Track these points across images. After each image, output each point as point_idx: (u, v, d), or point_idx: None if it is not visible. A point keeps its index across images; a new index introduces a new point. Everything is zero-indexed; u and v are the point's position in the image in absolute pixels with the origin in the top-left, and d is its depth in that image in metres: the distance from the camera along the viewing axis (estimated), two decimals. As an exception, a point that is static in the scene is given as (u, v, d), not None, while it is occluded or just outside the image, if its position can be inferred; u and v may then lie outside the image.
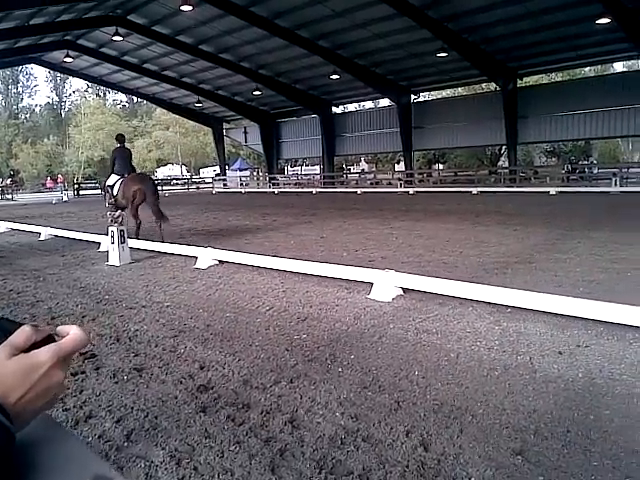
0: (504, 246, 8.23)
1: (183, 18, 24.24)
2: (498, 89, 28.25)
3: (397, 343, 4.00)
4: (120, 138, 11.22)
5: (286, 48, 26.25)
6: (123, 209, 9.86)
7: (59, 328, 0.65)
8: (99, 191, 37.15)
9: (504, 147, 34.21)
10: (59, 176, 54.05)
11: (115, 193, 10.38)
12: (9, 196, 36.01)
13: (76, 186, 40.44)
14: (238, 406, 3.04)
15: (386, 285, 5.33)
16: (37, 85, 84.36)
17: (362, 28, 23.25)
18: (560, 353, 3.68)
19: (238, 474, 2.37)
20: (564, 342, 3.89)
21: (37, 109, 77.79)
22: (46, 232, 11.90)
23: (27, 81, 73.87)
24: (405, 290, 5.40)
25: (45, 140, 63.86)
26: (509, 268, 6.54)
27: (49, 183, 53.44)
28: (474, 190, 23.56)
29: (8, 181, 40.67)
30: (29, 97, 76.81)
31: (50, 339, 0.62)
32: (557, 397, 3.01)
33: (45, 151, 61.86)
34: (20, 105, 74.45)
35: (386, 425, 2.76)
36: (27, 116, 75.60)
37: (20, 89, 74.00)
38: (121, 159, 10.67)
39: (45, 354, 0.59)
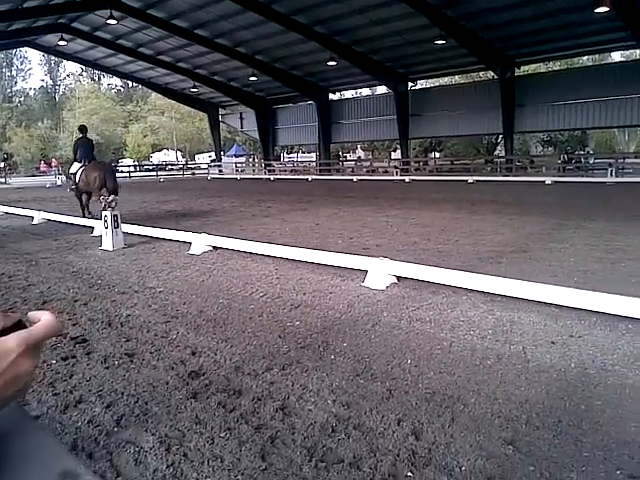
0: (499, 235, 8.22)
1: (178, 2, 24.00)
2: (496, 77, 28.14)
3: (390, 331, 3.99)
4: (82, 129, 12.25)
5: (283, 34, 25.99)
6: (86, 193, 11.38)
7: (30, 314, 0.61)
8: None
9: (501, 136, 34.13)
10: (53, 160, 53.65)
11: (77, 179, 11.34)
12: (2, 180, 35.71)
13: (70, 171, 40.06)
14: (229, 392, 3.02)
15: (380, 273, 5.31)
16: (31, 68, 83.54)
17: (360, 14, 23.03)
18: (553, 343, 3.67)
19: (228, 460, 2.36)
20: (557, 332, 3.88)
21: (31, 92, 77.04)
22: (39, 216, 11.81)
23: (21, 64, 73.05)
24: (399, 278, 5.39)
25: (39, 124, 63.31)
26: (504, 257, 6.52)
27: (43, 167, 53.05)
28: (470, 179, 23.52)
29: (1, 164, 40.33)
30: (23, 80, 76.16)
31: (20, 325, 0.58)
32: (549, 387, 3.00)
33: (39, 135, 61.31)
34: (14, 89, 73.66)
35: (378, 413, 2.75)
36: (21, 100, 74.81)
37: (14, 72, 73.13)
38: (83, 149, 11.72)
39: (13, 341, 0.56)
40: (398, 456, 2.37)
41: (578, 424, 2.60)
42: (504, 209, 11.72)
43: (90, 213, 11.53)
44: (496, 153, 41.29)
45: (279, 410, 2.80)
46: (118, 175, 38.95)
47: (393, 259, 5.54)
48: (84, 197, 11.65)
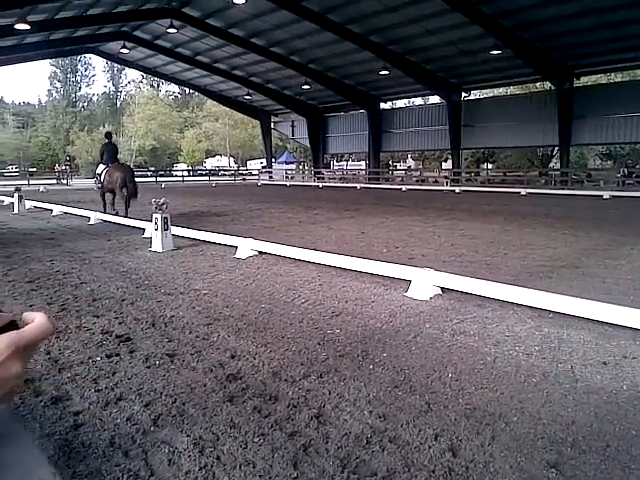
0: (551, 249, 7.94)
1: (236, 11, 24.50)
2: (553, 88, 27.34)
3: (432, 343, 3.90)
4: (108, 135, 13.87)
5: (337, 43, 26.16)
6: (110, 191, 12.77)
7: (25, 315, 0.60)
8: (149, 179, 38.15)
9: (556, 148, 33.13)
10: (112, 163, 55.57)
11: (102, 179, 12.78)
12: (64, 181, 37.32)
13: (127, 174, 41.44)
14: (265, 398, 3.01)
15: (424, 283, 5.22)
16: (95, 75, 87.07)
17: (414, 24, 22.91)
18: (605, 363, 3.49)
19: (260, 466, 2.34)
20: (609, 352, 3.69)
21: (94, 98, 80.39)
22: (95, 217, 12.26)
23: (85, 70, 76.26)
24: (444, 290, 5.27)
25: (101, 128, 65.78)
26: (555, 272, 6.29)
27: (102, 170, 55.01)
28: (523, 191, 22.92)
29: (63, 167, 42.13)
30: (87, 86, 79.72)
31: (12, 326, 0.57)
32: (598, 409, 2.85)
33: (100, 139, 63.62)
34: (78, 94, 76.96)
35: (414, 427, 2.68)
36: (84, 105, 78.18)
37: (79, 78, 76.43)
38: (108, 152, 13.14)
39: (2, 342, 0.54)
40: (433, 472, 2.29)
41: (627, 449, 2.45)
42: (557, 223, 11.34)
43: (114, 210, 12.89)
44: (551, 165, 40.14)
45: (314, 418, 2.77)
46: (172, 179, 40.03)
47: (438, 270, 5.43)
48: (108, 195, 13.09)
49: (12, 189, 16.17)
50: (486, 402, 2.94)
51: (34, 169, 53.61)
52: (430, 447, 2.50)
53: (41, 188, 27.01)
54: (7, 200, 18.01)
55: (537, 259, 7.17)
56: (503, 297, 4.71)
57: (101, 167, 13.10)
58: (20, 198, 15.28)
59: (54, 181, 37.42)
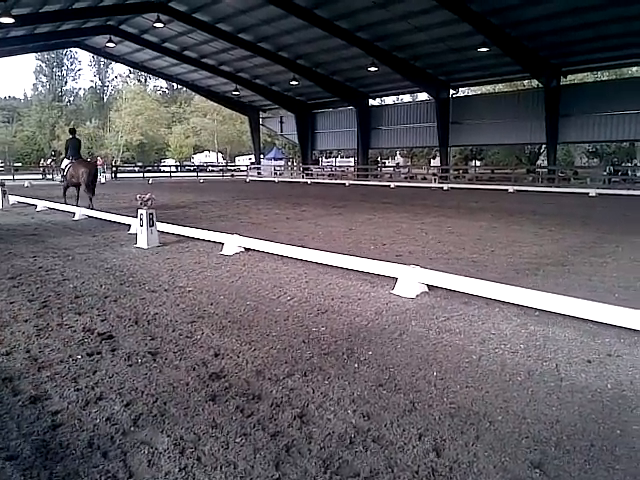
0: (537, 247, 7.97)
1: (223, 6, 24.38)
2: (540, 86, 27.51)
3: (417, 341, 3.88)
4: (72, 131, 14.59)
5: (325, 39, 26.12)
6: (74, 185, 13.53)
7: None
8: (137, 174, 37.92)
9: (544, 146, 33.33)
10: (98, 158, 55.12)
11: (65, 173, 13.58)
12: (50, 176, 36.91)
13: (114, 169, 41.14)
14: (248, 397, 2.97)
15: (410, 281, 5.20)
16: (81, 69, 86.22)
17: (402, 20, 22.93)
18: (589, 361, 3.49)
19: (241, 467, 2.30)
20: (594, 350, 3.70)
21: (81, 92, 79.53)
22: (80, 212, 12.11)
23: (71, 65, 75.44)
24: (430, 287, 5.26)
25: (87, 123, 65.28)
26: (541, 269, 6.31)
27: (88, 165, 54.52)
28: (510, 188, 23.07)
29: (49, 162, 41.68)
30: (73, 80, 78.40)
31: None
32: (583, 408, 2.85)
33: (87, 134, 63.11)
34: (64, 88, 76.10)
35: (398, 426, 2.65)
36: (71, 99, 77.30)
37: (64, 72, 75.55)
38: (72, 147, 13.70)
39: None
40: (417, 473, 2.27)
41: (612, 449, 2.45)
42: (544, 220, 11.40)
43: (71, 202, 13.56)
44: (538, 163, 40.39)
45: (297, 418, 2.73)
46: (159, 175, 39.77)
47: (425, 267, 5.41)
48: (71, 189, 13.81)
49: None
50: (471, 401, 2.93)
51: (19, 164, 52.97)
52: (414, 447, 2.47)
53: (26, 183, 26.64)
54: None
55: (524, 256, 7.19)
56: (489, 295, 4.71)
57: (65, 162, 13.82)
58: (4, 193, 15.07)
59: (39, 176, 37.03)
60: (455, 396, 2.99)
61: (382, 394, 3.01)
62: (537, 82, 28.19)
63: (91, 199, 13.01)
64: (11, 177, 33.46)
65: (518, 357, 3.57)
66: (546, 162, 30.95)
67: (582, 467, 2.31)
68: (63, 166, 13.86)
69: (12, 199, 15.61)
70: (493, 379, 3.21)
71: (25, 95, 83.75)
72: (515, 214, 12.84)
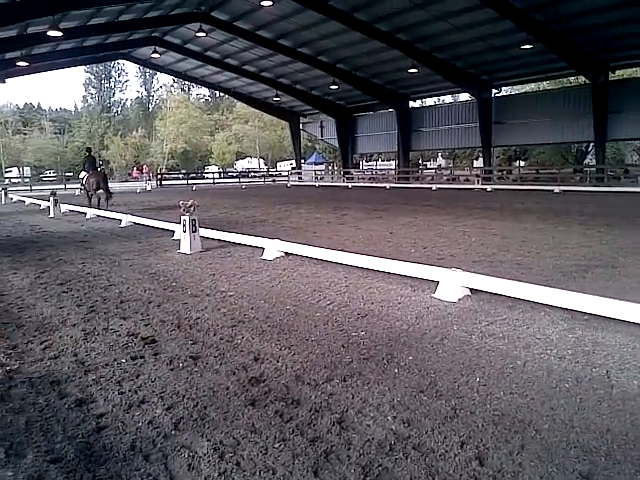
0: (585, 248, 7.70)
1: (263, 13, 24.62)
2: (587, 82, 26.63)
3: (459, 346, 3.79)
4: (88, 150, 18.57)
5: (364, 42, 26.05)
6: (90, 192, 16.62)
7: None
8: (181, 182, 38.79)
9: (591, 144, 32.26)
10: (144, 166, 56.71)
11: (84, 183, 17.00)
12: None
13: (159, 177, 42.18)
14: (287, 402, 2.97)
15: (452, 284, 5.10)
16: (128, 80, 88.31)
17: (442, 20, 22.63)
18: (642, 368, 3.34)
19: (280, 473, 2.30)
20: (647, 356, 3.53)
21: (128, 103, 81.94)
22: (126, 219, 12.46)
23: (119, 76, 77.75)
24: (473, 291, 5.15)
25: (134, 132, 67.09)
26: (589, 272, 6.09)
27: (135, 173, 56.24)
28: (556, 189, 22.38)
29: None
30: (120, 92, 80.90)
31: None
32: (635, 417, 2.72)
33: (133, 143, 64.99)
34: (112, 99, 78.55)
35: (440, 434, 2.60)
36: (118, 110, 79.68)
37: (112, 84, 78.00)
38: (89, 163, 17.32)
39: None
40: (459, 482, 2.21)
41: (667, 462, 2.32)
42: (592, 221, 11.02)
43: (94, 206, 16.18)
44: (586, 162, 39.11)
45: (336, 423, 2.71)
46: (203, 182, 40.57)
47: (467, 270, 5.30)
48: (91, 195, 16.80)
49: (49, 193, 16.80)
50: (515, 408, 2.84)
51: (70, 174, 54.93)
52: (456, 455, 2.41)
53: (76, 192, 27.62)
54: (44, 204, 18.48)
55: (571, 258, 6.96)
56: (534, 298, 4.56)
57: (83, 174, 17.41)
58: (56, 202, 15.65)
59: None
60: (499, 403, 2.90)
61: (423, 400, 2.96)
62: (584, 78, 27.31)
63: (107, 199, 16.24)
64: (63, 186, 34.77)
65: (565, 363, 3.45)
66: (594, 161, 29.94)
67: (633, 478, 2.20)
68: (81, 177, 17.57)
69: (63, 207, 16.20)
70: (539, 386, 3.11)
71: (75, 107, 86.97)
72: (561, 215, 12.46)
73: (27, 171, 61.50)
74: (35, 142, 64.25)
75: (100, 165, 44.62)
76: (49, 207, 15.92)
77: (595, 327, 4.10)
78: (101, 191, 16.27)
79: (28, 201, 21.95)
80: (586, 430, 2.60)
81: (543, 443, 2.49)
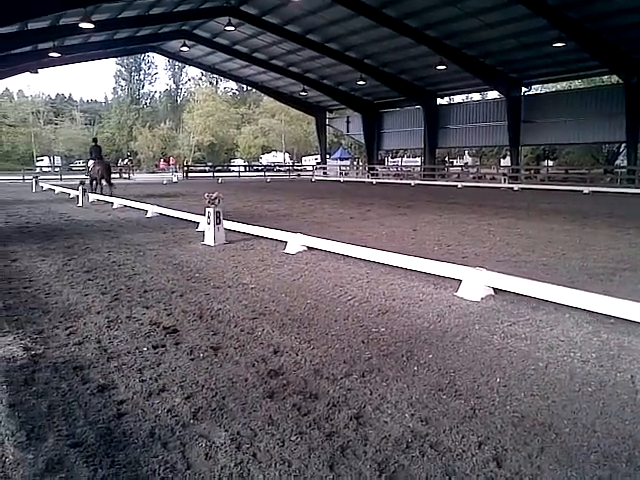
0: (613, 250, 7.54)
1: (292, 8, 24.64)
2: (620, 82, 26.01)
3: (481, 346, 3.75)
4: (95, 140, 20.90)
5: (393, 38, 25.91)
6: (95, 179, 18.62)
7: None
8: (207, 174, 39.16)
9: (623, 145, 31.52)
10: (171, 158, 57.37)
11: (90, 170, 19.03)
12: (126, 175, 38.76)
13: (185, 168, 42.60)
14: (305, 395, 2.98)
15: (476, 283, 5.04)
16: (157, 73, 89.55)
17: (472, 17, 22.36)
18: (669, 374, 3.26)
19: (295, 466, 2.30)
20: (675, 362, 3.44)
21: (156, 95, 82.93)
22: (152, 210, 12.61)
23: (148, 69, 78.77)
24: (496, 290, 5.08)
25: (162, 124, 67.82)
26: (617, 275, 5.96)
27: (162, 164, 56.96)
28: (586, 189, 21.96)
29: (125, 162, 43.72)
30: (149, 84, 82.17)
31: None
32: (660, 424, 2.66)
33: (161, 135, 65.67)
34: (141, 91, 79.58)
35: (458, 433, 2.57)
36: (147, 102, 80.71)
37: (142, 76, 79.00)
38: (95, 152, 19.21)
39: None
40: (475, 482, 2.19)
41: (692, 471, 2.26)
42: (622, 223, 10.78)
43: (95, 191, 18.11)
44: (617, 163, 38.26)
45: (353, 419, 2.71)
46: (229, 174, 40.89)
47: (491, 269, 5.24)
48: (95, 182, 18.72)
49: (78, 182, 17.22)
50: (536, 410, 2.80)
51: (99, 164, 55.77)
52: (473, 455, 2.39)
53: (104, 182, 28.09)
54: (73, 193, 18.83)
55: (598, 260, 6.82)
56: (559, 300, 4.48)
57: (90, 162, 19.32)
58: (84, 192, 15.92)
59: (117, 175, 38.94)
60: (519, 404, 2.86)
61: (442, 399, 2.94)
62: (617, 78, 26.68)
63: (109, 187, 18.16)
64: (91, 176, 35.31)
65: (589, 366, 3.38)
66: (625, 162, 29.25)
67: (657, 487, 2.15)
68: (89, 165, 19.46)
69: (92, 197, 16.48)
70: (561, 388, 3.06)
71: (106, 98, 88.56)
72: (590, 216, 12.22)
73: (58, 160, 62.60)
74: (66, 132, 65.37)
75: (128, 156, 45.33)
76: (78, 196, 16.20)
77: (621, 331, 4.01)
78: (104, 181, 18.38)
79: (58, 190, 22.39)
80: (608, 435, 2.55)
81: (563, 447, 2.45)
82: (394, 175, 39.92)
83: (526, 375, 3.25)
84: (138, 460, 2.34)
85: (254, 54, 34.42)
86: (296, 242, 7.67)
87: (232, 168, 52.67)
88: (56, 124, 67.78)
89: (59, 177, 35.74)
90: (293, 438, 2.53)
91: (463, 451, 2.42)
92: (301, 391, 3.03)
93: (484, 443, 2.48)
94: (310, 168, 47.34)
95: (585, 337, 3.91)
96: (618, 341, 3.83)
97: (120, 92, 78.11)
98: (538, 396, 2.96)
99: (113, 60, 71.16)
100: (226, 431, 2.59)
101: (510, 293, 4.96)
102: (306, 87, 38.02)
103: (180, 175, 39.06)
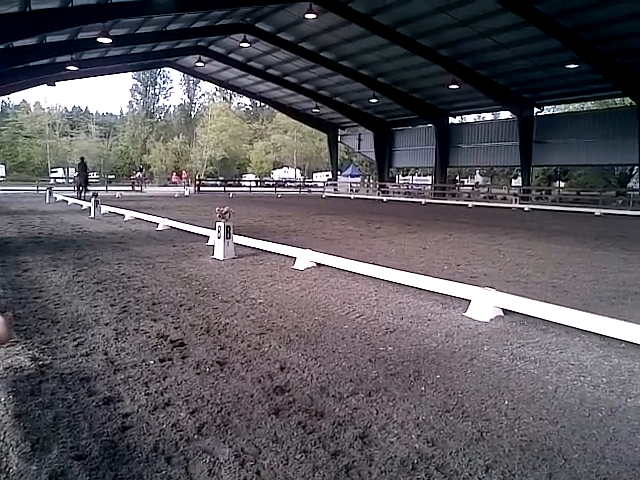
0: (626, 274, 7.46)
1: (306, 26, 24.91)
2: (633, 104, 25.95)
3: (489, 367, 3.71)
4: (82, 158, 27.39)
5: (406, 57, 26.08)
6: (80, 186, 25.61)
7: None
8: (219, 188, 39.47)
9: (636, 167, 31.37)
10: (183, 172, 57.84)
11: (75, 180, 27.52)
12: (138, 188, 39.06)
13: (197, 182, 42.87)
14: (311, 413, 2.95)
15: (485, 304, 5.01)
16: (172, 87, 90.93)
17: (486, 37, 22.47)
18: (681, 401, 3.20)
19: (299, 485, 2.28)
20: (687, 389, 3.39)
21: (171, 109, 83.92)
22: (163, 223, 12.70)
23: (163, 83, 79.89)
24: (505, 311, 5.04)
25: (175, 138, 68.49)
26: (629, 298, 5.89)
27: (174, 178, 57.36)
28: (597, 211, 21.82)
29: (138, 174, 44.11)
30: (164, 98, 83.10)
31: None
32: (671, 452, 2.60)
33: (174, 148, 66.32)
34: (156, 105, 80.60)
35: (464, 456, 2.54)
36: (161, 115, 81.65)
37: (157, 90, 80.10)
38: (80, 167, 26.44)
39: None
40: (482, 507, 2.15)
41: None
42: (634, 246, 10.68)
43: (82, 198, 23.53)
44: (630, 185, 38.06)
45: (359, 438, 2.68)
46: (240, 189, 41.17)
47: (500, 290, 5.20)
48: (80, 188, 25.63)
49: (90, 194, 17.39)
50: (544, 435, 2.75)
51: (112, 176, 56.41)
52: (480, 479, 2.35)
53: (117, 194, 28.40)
54: (85, 204, 19.02)
55: (610, 283, 6.75)
56: (569, 322, 4.44)
57: (75, 174, 26.82)
58: (97, 203, 16.08)
59: (129, 187, 39.31)
60: (527, 428, 2.82)
61: (448, 420, 2.90)
62: (630, 100, 26.62)
63: (84, 191, 24.76)
64: (104, 188, 35.68)
65: (599, 391, 3.33)
66: (638, 184, 29.09)
67: (668, 518, 2.11)
68: (74, 176, 27.00)
69: (104, 209, 16.63)
70: (570, 413, 3.01)
71: (121, 111, 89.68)
72: (601, 238, 12.13)
73: (72, 172, 63.33)
74: (81, 144, 66.13)
75: (140, 169, 45.84)
76: (90, 208, 16.35)
77: (632, 356, 3.96)
78: (81, 187, 25.32)
79: (71, 201, 22.63)
80: (618, 462, 2.51)
81: (572, 473, 2.41)
82: (405, 193, 39.93)
83: (535, 398, 3.20)
84: (141, 475, 2.33)
85: (268, 70, 34.78)
86: (305, 258, 7.67)
87: (243, 183, 53.00)
88: (72, 136, 68.67)
89: (73, 188, 36.09)
90: (297, 456, 2.51)
91: (470, 474, 2.38)
92: (307, 409, 3.01)
93: (491, 467, 2.45)
94: (321, 184, 47.48)
95: (596, 361, 3.87)
96: (629, 366, 3.77)
97: (135, 105, 79.17)
98: (547, 420, 2.92)
99: (129, 74, 72.20)
100: (230, 447, 2.57)
101: (520, 314, 4.92)
102: (319, 104, 38.28)
103: (192, 189, 39.30)
